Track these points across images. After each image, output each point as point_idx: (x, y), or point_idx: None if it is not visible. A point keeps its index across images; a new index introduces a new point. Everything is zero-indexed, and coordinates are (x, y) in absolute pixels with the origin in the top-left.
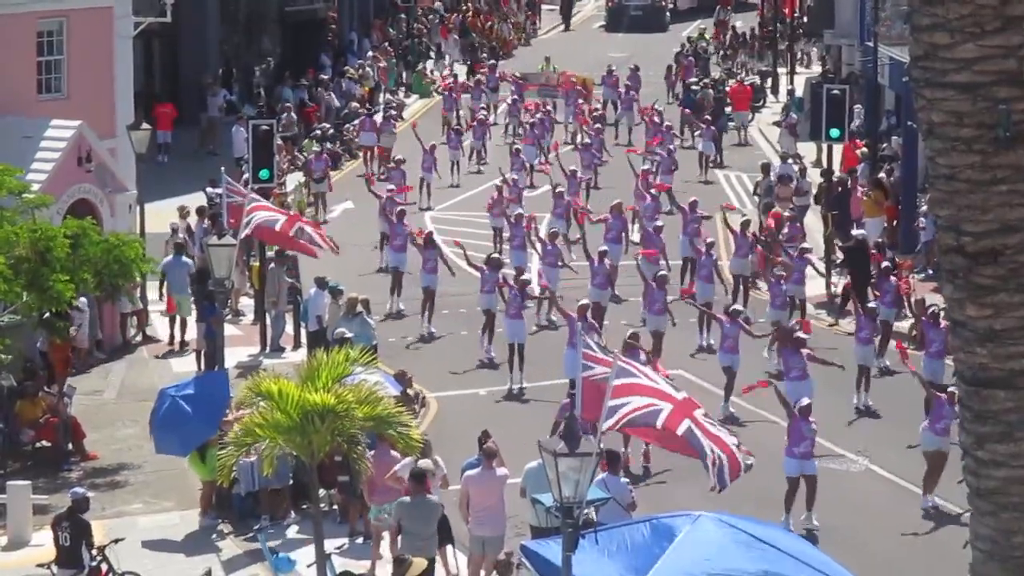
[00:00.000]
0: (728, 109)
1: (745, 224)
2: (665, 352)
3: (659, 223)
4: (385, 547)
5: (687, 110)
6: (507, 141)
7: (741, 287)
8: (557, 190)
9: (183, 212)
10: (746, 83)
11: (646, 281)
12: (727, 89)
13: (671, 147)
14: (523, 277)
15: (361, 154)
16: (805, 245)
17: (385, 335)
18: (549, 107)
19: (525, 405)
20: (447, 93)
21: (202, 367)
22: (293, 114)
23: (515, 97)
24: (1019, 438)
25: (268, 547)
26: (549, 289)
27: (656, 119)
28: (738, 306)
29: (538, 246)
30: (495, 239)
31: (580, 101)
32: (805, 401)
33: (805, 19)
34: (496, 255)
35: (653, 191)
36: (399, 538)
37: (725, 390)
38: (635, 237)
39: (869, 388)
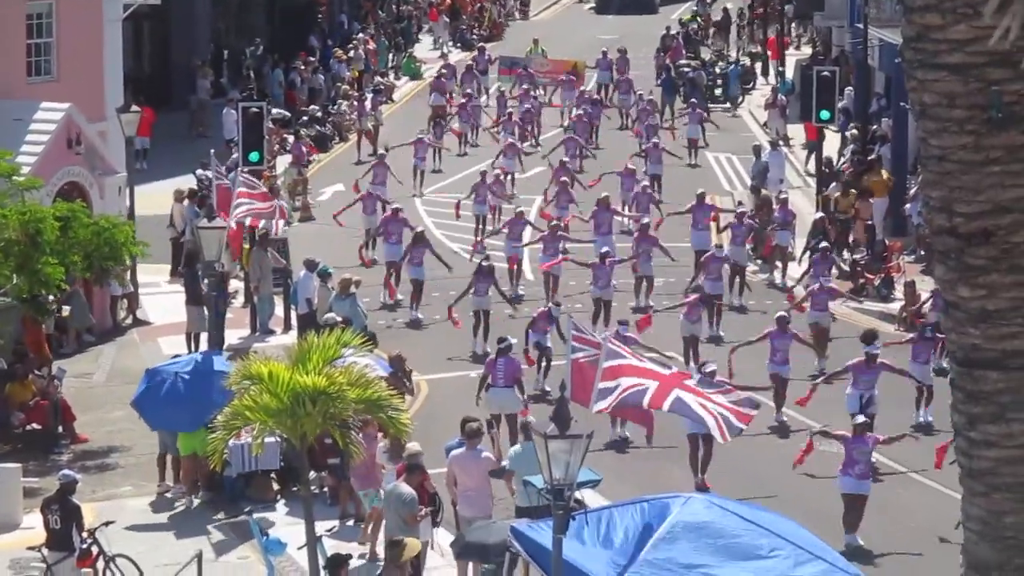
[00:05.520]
0: (718, 91)
1: (740, 213)
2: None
3: (647, 220)
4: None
5: (668, 94)
6: (495, 131)
7: (737, 276)
8: (561, 180)
9: (179, 195)
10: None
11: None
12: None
13: (655, 140)
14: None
15: (356, 135)
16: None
17: (375, 319)
18: (538, 92)
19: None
20: (439, 80)
21: (193, 349)
22: (275, 110)
23: (503, 89)
24: (1011, 419)
25: (259, 529)
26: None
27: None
28: (783, 312)
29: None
30: (477, 226)
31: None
32: (860, 419)
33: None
34: (487, 263)
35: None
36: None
37: (776, 398)
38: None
39: (930, 403)
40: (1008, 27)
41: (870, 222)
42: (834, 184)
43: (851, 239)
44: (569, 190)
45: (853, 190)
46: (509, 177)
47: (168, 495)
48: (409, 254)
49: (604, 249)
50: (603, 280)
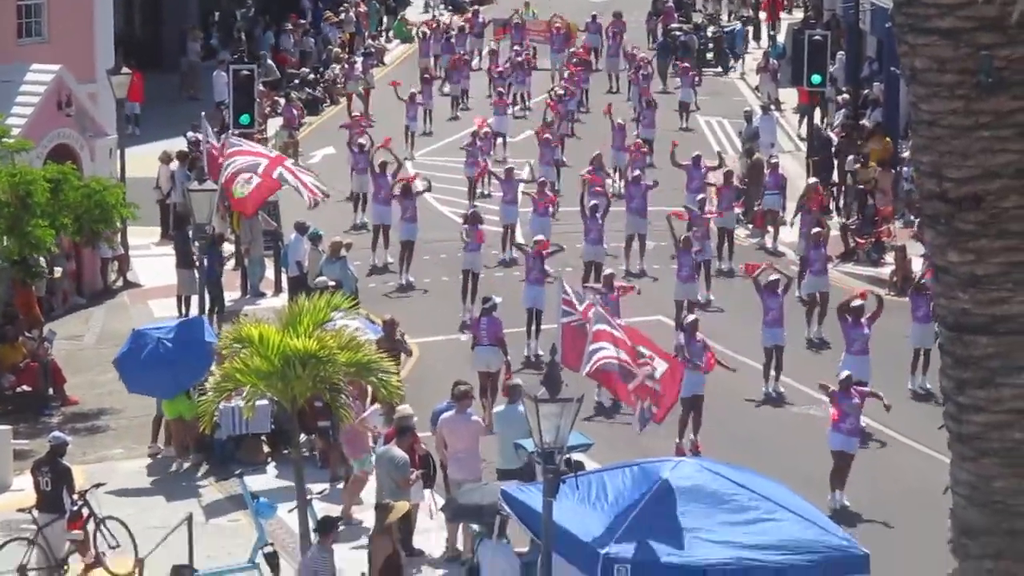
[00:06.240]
0: (709, 55)
1: (728, 175)
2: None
3: (636, 172)
4: (366, 492)
5: (664, 58)
6: (487, 94)
7: (726, 240)
8: (544, 137)
9: (165, 158)
10: None
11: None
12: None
13: (649, 99)
14: (538, 237)
15: (346, 98)
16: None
17: (365, 284)
18: (527, 53)
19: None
20: (425, 39)
21: (183, 312)
22: (270, 61)
23: (493, 48)
24: (1000, 384)
25: (249, 492)
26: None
27: (644, 70)
28: (777, 276)
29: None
30: (470, 189)
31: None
32: (844, 374)
33: None
34: (476, 210)
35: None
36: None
37: (774, 368)
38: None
39: (928, 370)
40: None
41: (860, 185)
42: (852, 157)
43: (874, 205)
44: (552, 147)
45: (873, 163)
46: (500, 139)
47: (159, 456)
48: (401, 207)
49: (593, 202)
50: (594, 234)
